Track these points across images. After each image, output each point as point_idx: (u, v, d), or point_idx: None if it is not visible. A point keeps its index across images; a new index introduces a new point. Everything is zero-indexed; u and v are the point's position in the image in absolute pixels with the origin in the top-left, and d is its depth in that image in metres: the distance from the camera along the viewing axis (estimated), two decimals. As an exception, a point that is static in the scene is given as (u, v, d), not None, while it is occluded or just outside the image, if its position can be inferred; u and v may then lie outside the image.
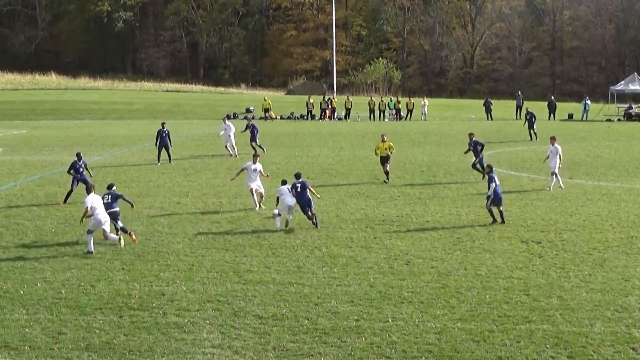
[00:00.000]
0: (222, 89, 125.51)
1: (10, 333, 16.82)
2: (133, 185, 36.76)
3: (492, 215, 27.80)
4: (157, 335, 16.79)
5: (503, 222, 27.61)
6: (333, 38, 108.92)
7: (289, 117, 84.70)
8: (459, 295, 19.38)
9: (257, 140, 48.70)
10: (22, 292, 19.72)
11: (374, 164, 40.66)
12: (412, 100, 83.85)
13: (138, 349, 16.02)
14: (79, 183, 32.19)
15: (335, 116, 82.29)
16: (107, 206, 24.87)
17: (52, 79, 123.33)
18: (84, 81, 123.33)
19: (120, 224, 25.21)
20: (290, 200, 27.09)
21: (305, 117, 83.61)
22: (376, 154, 37.70)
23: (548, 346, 16.16)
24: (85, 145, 55.36)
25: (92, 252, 23.68)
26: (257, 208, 30.48)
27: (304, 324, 17.44)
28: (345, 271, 21.62)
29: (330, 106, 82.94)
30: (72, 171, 32.78)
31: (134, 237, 24.84)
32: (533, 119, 56.07)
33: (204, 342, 16.41)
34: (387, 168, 37.01)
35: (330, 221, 28.29)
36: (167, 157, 44.47)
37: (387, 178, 36.84)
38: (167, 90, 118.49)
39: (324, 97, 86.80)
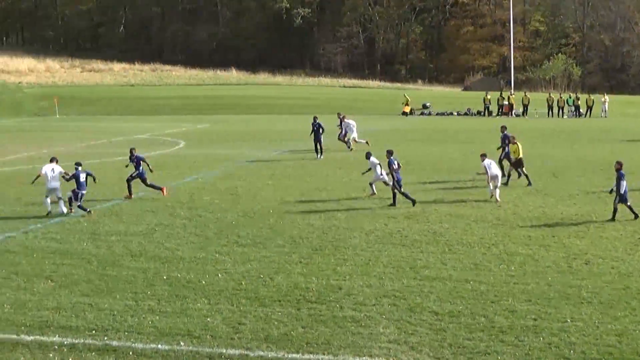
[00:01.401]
0: (398, 84, 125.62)
1: (193, 322, 17.31)
2: (308, 179, 37.21)
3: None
4: (334, 328, 16.94)
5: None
6: (511, 34, 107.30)
7: (465, 114, 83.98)
8: (642, 298, 18.77)
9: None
10: (204, 282, 20.27)
11: (553, 160, 39.83)
12: (592, 97, 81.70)
13: (315, 342, 16.21)
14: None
15: (513, 113, 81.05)
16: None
17: (233, 75, 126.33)
18: (263, 77, 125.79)
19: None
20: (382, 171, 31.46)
21: (481, 114, 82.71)
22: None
23: None
24: (263, 140, 56.51)
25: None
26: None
27: (480, 321, 17.25)
28: (522, 269, 21.26)
29: (507, 102, 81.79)
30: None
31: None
32: None
33: (380, 336, 16.45)
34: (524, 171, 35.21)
35: (507, 218, 27.89)
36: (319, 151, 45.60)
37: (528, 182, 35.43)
38: (344, 86, 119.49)
39: (501, 94, 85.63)
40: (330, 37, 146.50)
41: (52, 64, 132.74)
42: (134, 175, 33.06)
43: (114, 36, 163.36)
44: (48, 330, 16.84)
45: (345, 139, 49.69)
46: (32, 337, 16.43)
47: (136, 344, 16.09)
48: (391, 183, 30.65)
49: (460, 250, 23.44)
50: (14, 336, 16.52)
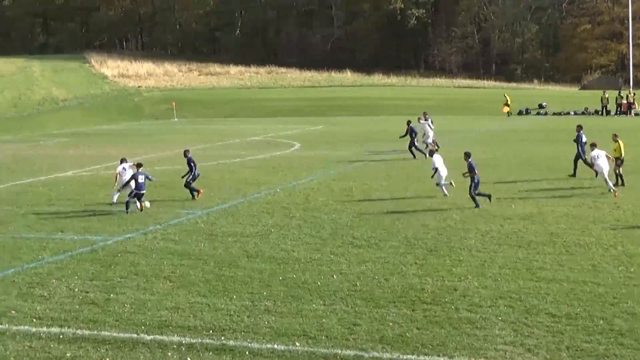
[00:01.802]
0: (514, 84, 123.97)
1: (309, 322, 17.43)
2: (423, 179, 37.06)
3: None
4: (449, 329, 16.84)
5: None
6: (630, 31, 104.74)
7: (582, 113, 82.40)
8: None
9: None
10: (319, 283, 20.39)
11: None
12: None
13: (430, 343, 16.14)
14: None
15: (632, 112, 79.12)
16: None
17: (347, 76, 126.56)
18: (377, 78, 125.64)
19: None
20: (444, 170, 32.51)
21: (599, 113, 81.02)
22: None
23: None
24: (378, 141, 56.51)
25: None
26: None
27: (598, 324, 16.91)
28: (643, 272, 20.79)
29: (626, 101, 79.92)
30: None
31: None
32: None
33: (496, 338, 16.29)
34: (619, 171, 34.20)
35: (627, 219, 27.28)
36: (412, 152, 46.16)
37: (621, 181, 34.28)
38: (459, 87, 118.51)
39: (619, 92, 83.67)
40: (445, 37, 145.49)
41: (170, 67, 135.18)
42: (189, 179, 33.93)
43: (230, 40, 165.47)
44: (167, 330, 17.18)
45: (424, 141, 49.17)
46: (151, 337, 16.79)
47: (252, 344, 16.29)
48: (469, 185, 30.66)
49: (578, 252, 23.03)
50: (134, 335, 16.90)
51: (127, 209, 31.09)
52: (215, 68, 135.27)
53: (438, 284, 20.03)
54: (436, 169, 32.64)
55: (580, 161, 37.44)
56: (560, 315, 17.43)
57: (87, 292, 20.00)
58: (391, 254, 23.37)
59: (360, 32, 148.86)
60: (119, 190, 33.06)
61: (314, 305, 18.62)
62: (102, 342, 16.55)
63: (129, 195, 31.58)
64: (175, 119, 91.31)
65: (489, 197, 30.81)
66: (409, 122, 47.36)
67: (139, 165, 32.32)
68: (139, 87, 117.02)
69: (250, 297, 19.34)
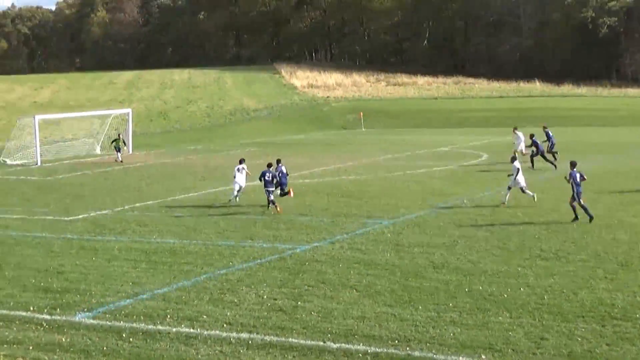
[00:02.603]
0: None
1: (495, 335, 17.25)
2: (618, 193, 36.02)
3: None
4: (641, 347, 16.35)
5: None
6: None
7: None
8: None
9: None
10: (505, 295, 20.14)
11: None
12: None
13: (622, 360, 15.72)
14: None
15: None
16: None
17: (536, 87, 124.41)
18: (566, 88, 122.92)
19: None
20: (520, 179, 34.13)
21: None
22: None
23: None
24: (572, 151, 55.31)
25: None
26: None
27: None
28: None
29: None
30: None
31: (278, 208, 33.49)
32: None
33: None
34: None
35: None
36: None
37: None
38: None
39: None
40: (638, 46, 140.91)
41: (359, 78, 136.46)
42: (269, 190, 34.50)
43: (417, 50, 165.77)
44: (353, 339, 17.35)
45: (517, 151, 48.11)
46: (337, 345, 17.00)
47: (438, 355, 16.26)
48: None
49: None
50: (321, 343, 17.16)
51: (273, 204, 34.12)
52: (403, 78, 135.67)
53: (629, 299, 19.45)
54: (516, 172, 34.16)
55: None
56: None
57: (276, 299, 20.45)
58: (580, 267, 22.86)
59: (550, 42, 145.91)
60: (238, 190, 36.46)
61: (500, 317, 18.42)
62: (289, 349, 16.89)
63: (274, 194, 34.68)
64: (363, 129, 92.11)
65: (589, 216, 29.57)
66: (532, 136, 47.41)
67: (275, 163, 36.45)
68: (328, 97, 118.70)
69: (435, 308, 19.32)
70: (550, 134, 50.57)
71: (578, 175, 30.11)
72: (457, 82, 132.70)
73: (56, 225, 32.94)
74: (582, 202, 29.77)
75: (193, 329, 18.34)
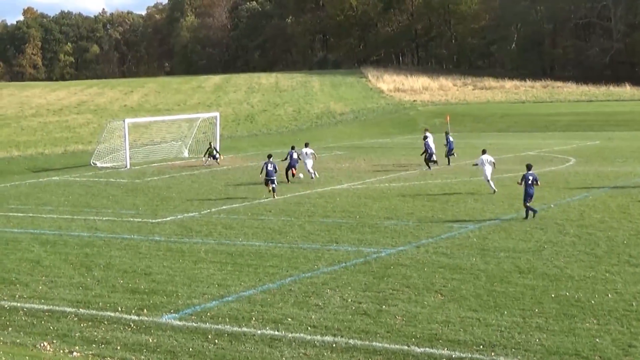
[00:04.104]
0: None
1: (581, 342, 17.02)
2: None
3: None
4: None
5: None
6: None
7: None
8: None
9: None
10: (593, 302, 19.86)
11: None
12: None
13: None
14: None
15: None
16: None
17: (626, 90, 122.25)
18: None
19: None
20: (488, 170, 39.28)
21: None
22: None
23: None
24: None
25: None
26: None
27: None
28: None
29: None
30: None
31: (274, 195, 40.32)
32: None
33: None
34: None
35: None
36: None
37: None
38: None
39: None
40: None
41: (445, 82, 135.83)
42: (272, 179, 40.64)
43: (505, 53, 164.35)
44: (437, 343, 17.29)
45: None
46: (421, 349, 16.95)
47: (523, 361, 16.15)
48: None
49: None
50: (405, 347, 17.13)
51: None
52: (490, 82, 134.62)
53: None
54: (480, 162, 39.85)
55: None
56: None
57: (360, 303, 20.48)
58: (667, 274, 22.43)
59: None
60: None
61: (587, 324, 18.17)
62: (373, 353, 16.90)
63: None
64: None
65: (534, 212, 32.15)
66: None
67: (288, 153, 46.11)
68: (414, 101, 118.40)
69: (521, 313, 19.14)
70: (450, 139, 55.28)
71: (531, 178, 32.24)
72: (546, 85, 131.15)
73: (144, 227, 33.51)
74: (527, 204, 32.10)
75: (278, 331, 18.47)
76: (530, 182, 32.20)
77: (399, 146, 75.61)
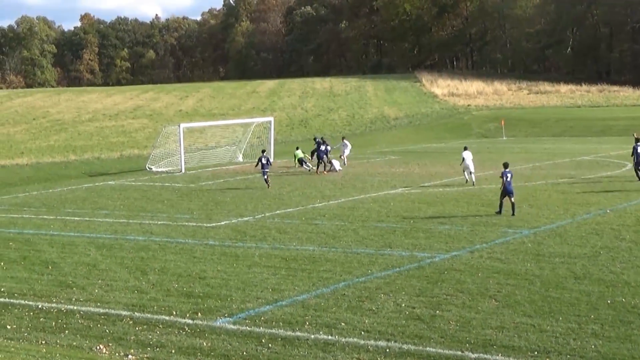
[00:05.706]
0: None
1: (638, 349, 16.75)
2: None
3: None
4: None
5: None
6: None
7: None
8: None
9: None
10: (649, 308, 19.67)
11: None
12: None
13: None
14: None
15: None
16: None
17: None
18: None
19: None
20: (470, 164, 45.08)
21: None
22: None
23: None
24: None
25: None
26: None
27: None
28: None
29: None
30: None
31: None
32: None
33: None
34: None
35: None
36: None
37: None
38: None
39: None
40: None
41: (500, 86, 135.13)
42: (266, 171, 47.73)
43: (560, 57, 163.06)
44: (491, 349, 17.20)
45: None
46: (475, 355, 16.88)
47: (578, 368, 16.01)
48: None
49: None
50: (459, 352, 17.06)
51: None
52: (545, 86, 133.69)
53: None
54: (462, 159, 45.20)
55: None
56: None
57: (414, 308, 20.44)
58: None
59: None
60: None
61: None
62: (427, 358, 16.86)
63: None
64: (504, 138, 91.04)
65: (499, 212, 34.68)
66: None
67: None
68: (469, 105, 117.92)
69: (577, 319, 18.97)
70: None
71: (509, 175, 34.61)
72: (602, 90, 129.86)
73: (198, 231, 33.75)
74: (502, 200, 34.68)
75: (331, 336, 18.49)
76: (509, 179, 34.47)
77: (452, 151, 75.24)
